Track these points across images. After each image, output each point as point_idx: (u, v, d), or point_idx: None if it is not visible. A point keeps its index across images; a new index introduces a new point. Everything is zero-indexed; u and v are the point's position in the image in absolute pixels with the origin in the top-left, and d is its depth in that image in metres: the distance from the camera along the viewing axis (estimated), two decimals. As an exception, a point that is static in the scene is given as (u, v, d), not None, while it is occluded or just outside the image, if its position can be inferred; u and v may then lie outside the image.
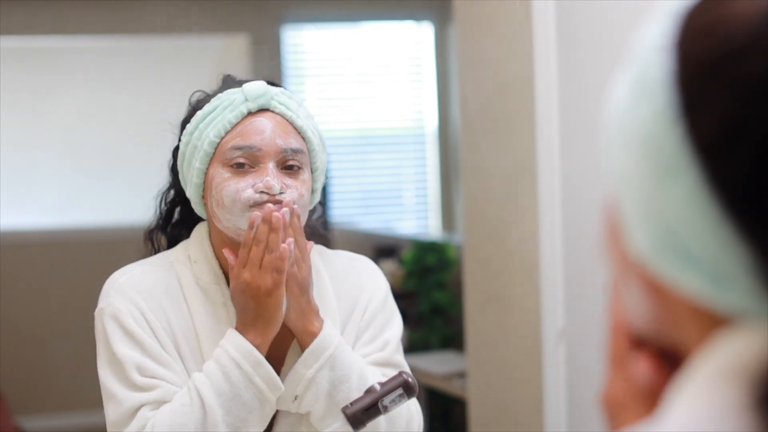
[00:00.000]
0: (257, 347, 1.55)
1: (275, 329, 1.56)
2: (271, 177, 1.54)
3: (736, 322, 0.57)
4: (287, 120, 1.59)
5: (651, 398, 0.61)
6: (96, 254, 5.43)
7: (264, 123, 1.57)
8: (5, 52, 5.64)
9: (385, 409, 1.54)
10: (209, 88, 1.67)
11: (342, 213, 5.99)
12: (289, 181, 1.57)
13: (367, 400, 1.54)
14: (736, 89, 0.54)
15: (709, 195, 0.55)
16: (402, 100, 6.26)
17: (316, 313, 1.59)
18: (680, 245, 0.57)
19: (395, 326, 1.70)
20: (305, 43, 6.10)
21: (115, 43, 5.83)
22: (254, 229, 1.52)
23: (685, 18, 0.57)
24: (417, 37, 6.22)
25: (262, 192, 1.54)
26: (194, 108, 1.64)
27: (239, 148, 1.55)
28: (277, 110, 1.59)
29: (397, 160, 6.30)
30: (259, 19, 5.81)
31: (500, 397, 3.05)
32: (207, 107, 1.59)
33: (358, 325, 1.67)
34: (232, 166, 1.56)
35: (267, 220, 1.52)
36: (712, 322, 0.58)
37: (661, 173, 0.56)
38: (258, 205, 1.54)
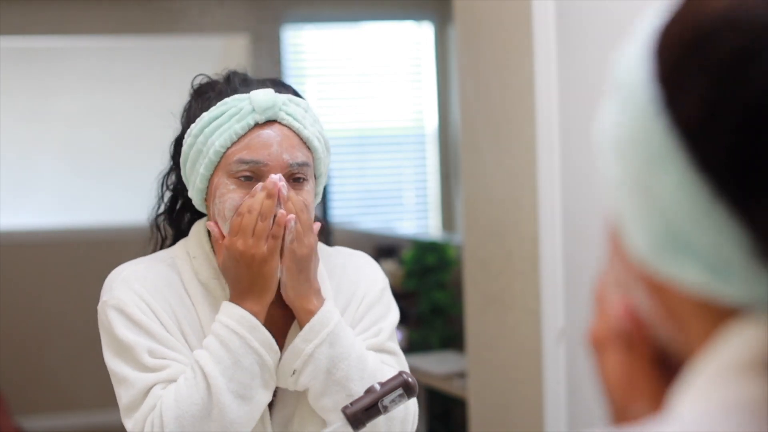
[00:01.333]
0: (255, 315, 1.55)
1: (271, 296, 1.57)
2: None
3: (740, 314, 0.57)
4: (294, 132, 1.58)
5: (629, 339, 0.63)
6: (96, 254, 5.43)
7: (271, 136, 1.56)
8: (5, 52, 5.64)
9: (386, 409, 1.54)
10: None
11: (342, 213, 5.99)
12: (293, 192, 1.57)
13: (367, 400, 1.54)
14: (710, 70, 0.55)
15: (698, 179, 0.55)
16: (402, 100, 6.26)
17: (317, 292, 1.60)
18: (677, 238, 0.57)
19: (390, 317, 1.70)
20: (305, 43, 6.09)
21: (115, 43, 5.82)
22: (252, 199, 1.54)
23: (659, 28, 0.59)
24: (417, 37, 6.22)
25: None
26: (196, 93, 1.64)
27: (246, 162, 1.55)
28: (284, 122, 1.58)
29: (397, 160, 6.30)
30: (259, 19, 5.81)
31: (500, 397, 3.05)
32: (213, 111, 1.58)
33: (353, 316, 1.68)
34: (237, 178, 1.56)
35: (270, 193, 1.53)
36: (717, 316, 0.58)
37: (651, 166, 0.57)
38: None
